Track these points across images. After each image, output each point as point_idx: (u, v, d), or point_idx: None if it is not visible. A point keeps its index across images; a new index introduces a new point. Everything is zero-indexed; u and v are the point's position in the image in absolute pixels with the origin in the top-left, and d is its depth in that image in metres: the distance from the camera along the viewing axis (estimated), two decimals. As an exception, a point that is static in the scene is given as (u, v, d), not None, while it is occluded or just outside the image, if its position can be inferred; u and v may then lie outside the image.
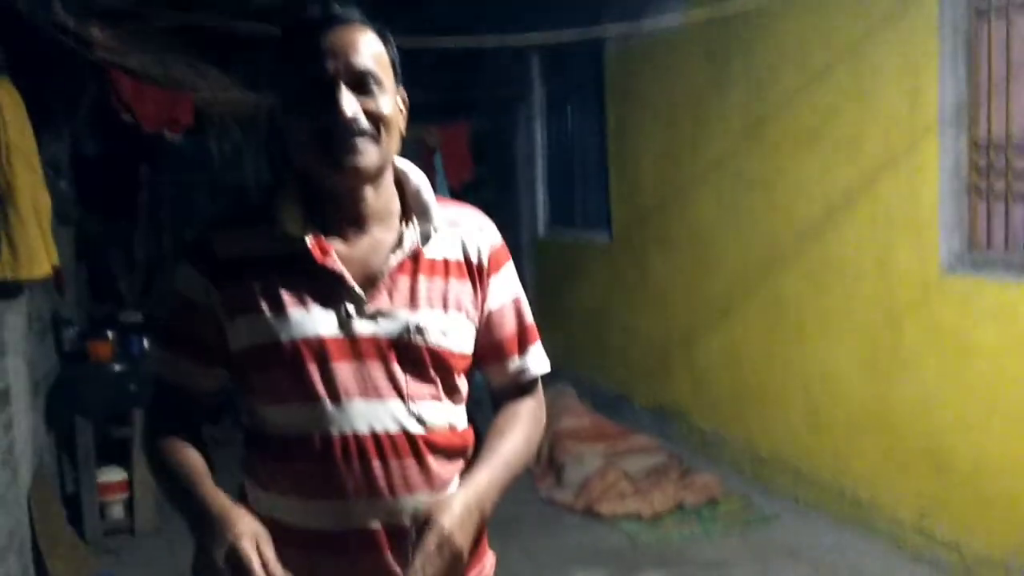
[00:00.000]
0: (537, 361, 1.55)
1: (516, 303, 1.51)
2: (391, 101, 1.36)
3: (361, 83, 1.32)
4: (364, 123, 1.32)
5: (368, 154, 1.33)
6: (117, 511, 4.44)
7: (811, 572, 3.75)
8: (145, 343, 4.66)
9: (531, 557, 3.91)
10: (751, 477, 4.81)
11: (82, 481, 4.32)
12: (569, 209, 7.06)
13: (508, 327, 1.50)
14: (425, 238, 1.41)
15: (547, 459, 5.08)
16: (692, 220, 5.29)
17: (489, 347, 1.49)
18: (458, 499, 1.32)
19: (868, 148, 3.94)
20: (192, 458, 1.38)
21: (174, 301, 1.42)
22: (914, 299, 3.75)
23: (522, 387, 1.54)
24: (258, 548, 1.24)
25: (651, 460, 4.89)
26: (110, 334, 4.65)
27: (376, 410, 1.34)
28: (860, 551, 3.90)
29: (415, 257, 1.40)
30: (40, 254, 3.44)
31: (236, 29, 3.97)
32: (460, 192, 7.06)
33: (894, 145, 3.81)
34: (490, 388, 1.56)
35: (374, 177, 1.37)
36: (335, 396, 1.33)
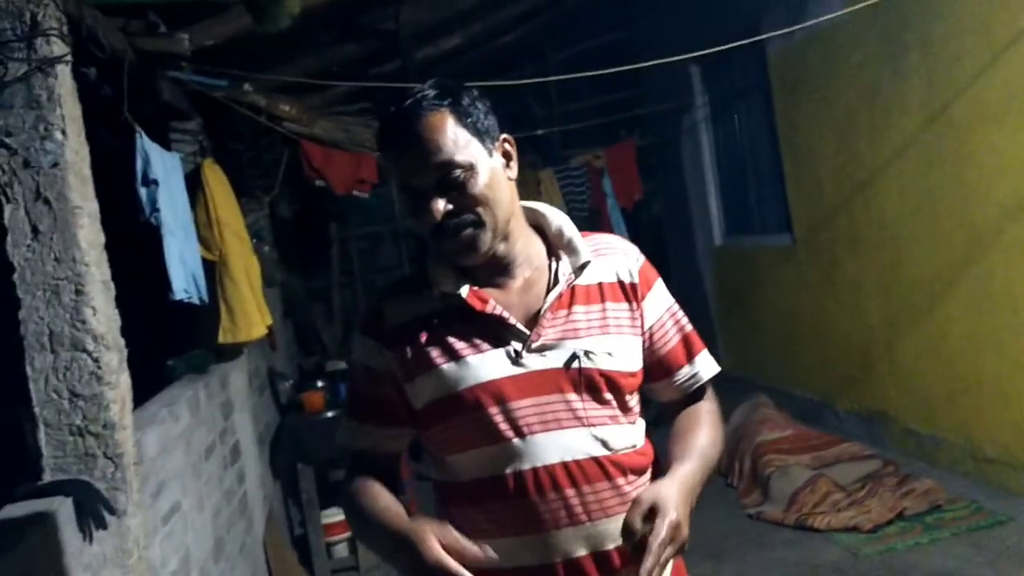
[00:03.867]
0: (707, 365, 1.56)
1: (673, 314, 1.54)
2: (485, 173, 1.38)
3: (445, 181, 1.36)
4: (457, 220, 1.37)
5: (477, 239, 1.38)
6: (341, 550, 4.71)
7: (1058, 578, 3.46)
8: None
9: (746, 576, 3.81)
10: (976, 478, 4.50)
11: (308, 523, 4.62)
12: (745, 215, 6.90)
13: (672, 339, 1.52)
14: (579, 270, 1.45)
15: (751, 473, 4.95)
16: (879, 213, 5.05)
17: (657, 363, 1.51)
18: (674, 488, 1.33)
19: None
20: (379, 497, 1.42)
21: (355, 371, 1.51)
22: None
23: (695, 394, 1.55)
24: (440, 536, 1.28)
25: (863, 468, 4.66)
26: (320, 384, 4.97)
27: (561, 440, 1.38)
28: (1113, 552, 3.57)
29: (571, 288, 1.45)
30: (255, 317, 3.75)
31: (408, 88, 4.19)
32: (631, 210, 7.08)
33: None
34: (663, 404, 1.57)
35: (495, 244, 1.42)
36: (520, 433, 1.37)
